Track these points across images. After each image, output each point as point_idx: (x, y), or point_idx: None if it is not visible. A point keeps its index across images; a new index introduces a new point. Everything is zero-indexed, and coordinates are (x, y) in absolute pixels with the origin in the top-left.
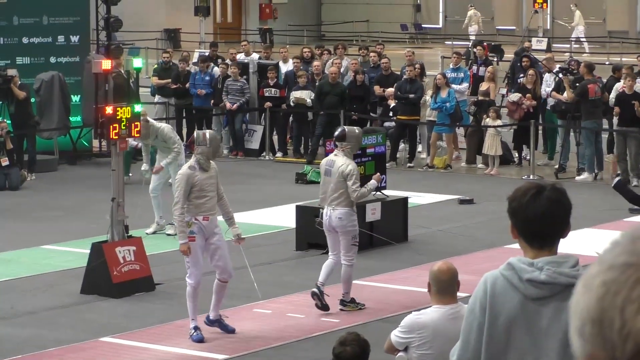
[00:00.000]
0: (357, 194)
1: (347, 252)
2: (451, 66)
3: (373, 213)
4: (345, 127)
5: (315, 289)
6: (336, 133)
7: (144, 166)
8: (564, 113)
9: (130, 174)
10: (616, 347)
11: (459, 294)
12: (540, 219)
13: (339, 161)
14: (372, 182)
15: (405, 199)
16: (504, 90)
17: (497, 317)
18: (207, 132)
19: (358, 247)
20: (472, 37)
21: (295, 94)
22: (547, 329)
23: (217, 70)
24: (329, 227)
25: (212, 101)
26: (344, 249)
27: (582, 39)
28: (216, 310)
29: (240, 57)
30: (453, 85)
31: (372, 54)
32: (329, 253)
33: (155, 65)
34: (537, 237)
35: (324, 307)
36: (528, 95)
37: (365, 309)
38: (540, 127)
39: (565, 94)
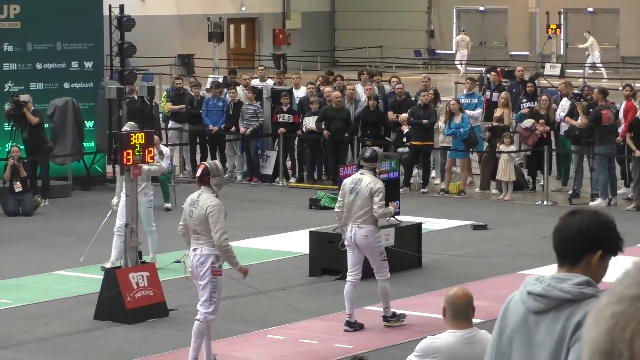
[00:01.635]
0: (382, 210)
1: (379, 269)
2: (465, 92)
3: (386, 238)
4: (374, 148)
5: (346, 327)
6: (367, 154)
7: (115, 199)
8: (578, 138)
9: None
10: None
11: (473, 320)
12: (557, 234)
13: (366, 179)
14: (390, 209)
15: (418, 225)
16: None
17: (504, 330)
18: (218, 162)
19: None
20: (459, 62)
21: (308, 120)
22: (541, 343)
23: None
24: (352, 244)
25: (224, 126)
26: (375, 267)
27: (598, 65)
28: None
29: (255, 82)
30: (467, 111)
31: (393, 80)
32: (348, 272)
33: (165, 93)
34: (556, 253)
35: (360, 327)
36: (541, 120)
37: (391, 328)
38: (554, 153)
39: (579, 120)
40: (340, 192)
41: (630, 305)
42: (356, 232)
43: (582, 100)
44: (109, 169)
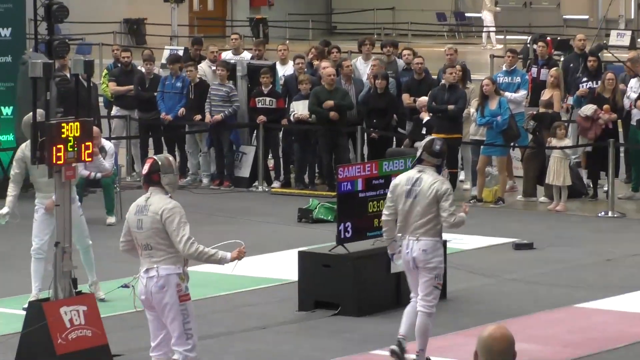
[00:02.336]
0: (454, 218)
1: (426, 295)
2: (504, 68)
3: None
4: (443, 139)
5: (395, 346)
6: (437, 147)
7: (5, 209)
8: None
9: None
10: None
11: None
12: None
13: (428, 178)
14: (462, 215)
15: (443, 243)
16: (571, 100)
17: None
18: (170, 156)
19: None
20: (485, 29)
21: (296, 106)
22: None
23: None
24: (410, 262)
25: (182, 113)
26: (422, 290)
27: None
28: None
29: (227, 55)
30: (506, 94)
31: (405, 52)
32: (412, 295)
33: (106, 70)
34: None
35: None
36: (606, 106)
37: None
38: (622, 149)
39: None
40: (389, 195)
41: None
42: (413, 246)
43: None
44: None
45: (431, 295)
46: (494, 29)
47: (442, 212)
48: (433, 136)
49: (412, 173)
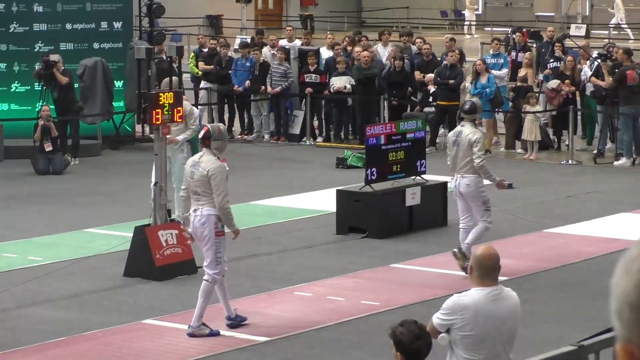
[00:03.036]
0: (480, 160)
1: (481, 216)
2: (491, 52)
3: (413, 197)
4: (472, 100)
5: (456, 249)
6: (466, 107)
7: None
8: (603, 99)
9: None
10: None
11: (499, 277)
12: None
13: (466, 131)
14: (486, 169)
15: (444, 184)
16: (541, 76)
17: None
18: (222, 126)
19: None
20: (467, 23)
21: (335, 80)
22: None
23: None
24: (458, 194)
25: (248, 85)
26: (478, 214)
27: (622, 25)
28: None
29: (283, 42)
30: (493, 71)
31: (417, 40)
32: (460, 219)
33: (192, 53)
34: None
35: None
36: (567, 81)
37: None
38: (579, 113)
39: (604, 80)
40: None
41: None
42: (460, 182)
43: (607, 60)
44: (138, 128)
45: (485, 215)
46: (474, 23)
47: (473, 155)
48: (470, 100)
49: (457, 128)
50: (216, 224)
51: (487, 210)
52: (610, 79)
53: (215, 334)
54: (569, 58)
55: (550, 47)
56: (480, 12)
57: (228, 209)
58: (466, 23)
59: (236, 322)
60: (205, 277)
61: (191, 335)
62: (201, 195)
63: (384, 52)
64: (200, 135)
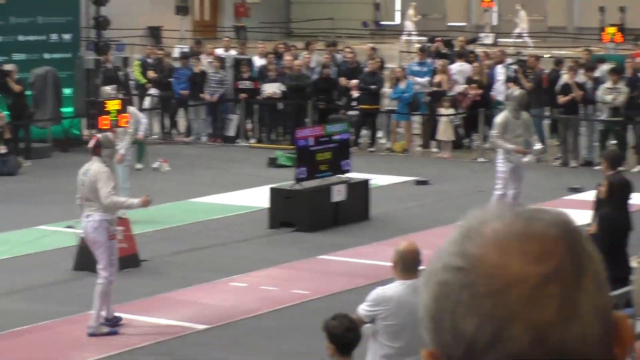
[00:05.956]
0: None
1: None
2: (417, 60)
3: (339, 194)
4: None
5: None
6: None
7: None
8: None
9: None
10: (450, 346)
11: (421, 267)
12: None
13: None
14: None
15: (366, 181)
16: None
17: None
18: (110, 135)
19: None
20: (407, 33)
21: (267, 87)
22: None
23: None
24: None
25: (188, 93)
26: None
27: (523, 35)
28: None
29: (219, 51)
30: (417, 78)
31: (347, 49)
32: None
33: (137, 62)
34: None
35: None
36: (473, 85)
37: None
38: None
39: (522, 84)
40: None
41: (453, 275)
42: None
43: (520, 66)
44: (86, 132)
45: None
46: (415, 33)
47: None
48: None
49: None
50: (108, 228)
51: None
52: (528, 82)
53: (114, 332)
54: (476, 64)
55: (461, 54)
56: (398, 22)
57: (114, 200)
58: (405, 32)
59: (112, 323)
60: (100, 280)
61: (92, 335)
62: (92, 202)
63: (314, 60)
64: (90, 145)
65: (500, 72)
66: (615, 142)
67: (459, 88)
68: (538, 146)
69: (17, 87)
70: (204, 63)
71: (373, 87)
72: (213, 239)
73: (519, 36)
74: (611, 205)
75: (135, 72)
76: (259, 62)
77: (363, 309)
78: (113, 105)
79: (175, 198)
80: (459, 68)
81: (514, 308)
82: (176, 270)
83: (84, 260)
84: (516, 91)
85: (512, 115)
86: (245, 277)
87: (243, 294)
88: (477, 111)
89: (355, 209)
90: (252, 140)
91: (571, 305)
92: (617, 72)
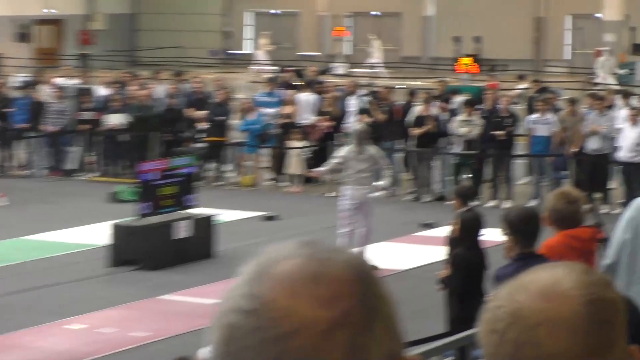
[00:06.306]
0: None
1: None
2: (265, 91)
3: (183, 230)
4: None
5: None
6: None
7: None
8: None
9: None
10: None
11: None
12: None
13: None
14: None
15: (210, 217)
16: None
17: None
18: None
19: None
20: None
21: (110, 118)
22: None
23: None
24: None
25: (28, 125)
26: None
27: (377, 65)
28: None
29: (61, 80)
30: (266, 110)
31: (195, 79)
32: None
33: None
34: None
35: None
36: (323, 117)
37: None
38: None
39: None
40: None
41: (243, 318)
42: None
43: (373, 98)
44: None
45: None
46: (267, 63)
47: None
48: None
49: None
50: None
51: None
52: (381, 114)
53: None
54: (328, 95)
55: (313, 85)
56: (247, 51)
57: None
58: (256, 61)
59: None
60: None
61: None
62: None
63: (160, 90)
64: None
65: (352, 103)
66: (470, 175)
67: (308, 120)
68: (381, 182)
69: None
70: (45, 92)
71: (222, 118)
72: (46, 279)
73: (373, 66)
74: (464, 244)
75: None
76: (103, 91)
77: (204, 353)
78: None
79: (7, 236)
80: (305, 98)
81: (299, 355)
82: (2, 313)
83: None
84: (357, 125)
85: (355, 150)
86: (81, 318)
87: (78, 337)
88: (328, 143)
89: (200, 246)
90: (94, 174)
91: (359, 350)
92: (471, 103)
